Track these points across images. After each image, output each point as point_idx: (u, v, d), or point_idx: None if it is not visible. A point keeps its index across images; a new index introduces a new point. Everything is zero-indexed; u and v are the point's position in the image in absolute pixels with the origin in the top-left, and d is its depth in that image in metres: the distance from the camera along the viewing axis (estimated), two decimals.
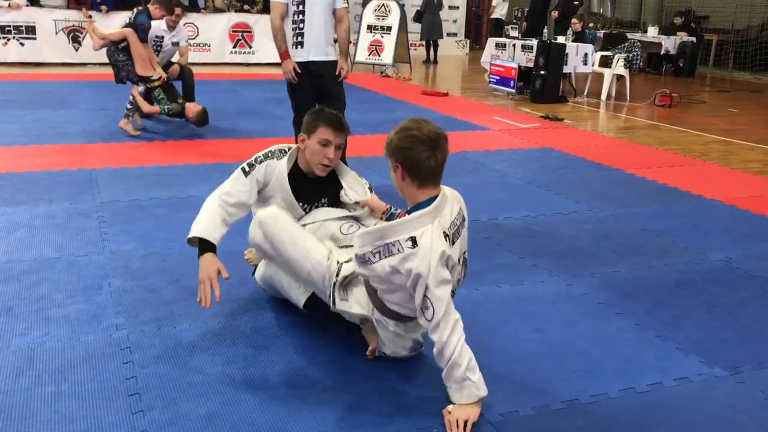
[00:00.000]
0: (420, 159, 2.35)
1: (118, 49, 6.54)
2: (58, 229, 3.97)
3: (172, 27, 6.96)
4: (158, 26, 6.82)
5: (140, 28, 6.43)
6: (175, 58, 7.26)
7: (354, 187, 3.11)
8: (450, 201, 2.46)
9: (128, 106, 6.56)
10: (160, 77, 6.55)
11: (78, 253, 3.61)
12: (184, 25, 7.25)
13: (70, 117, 7.29)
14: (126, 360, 2.61)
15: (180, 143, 6.30)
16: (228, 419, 2.28)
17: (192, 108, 6.57)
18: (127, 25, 6.53)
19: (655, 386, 2.58)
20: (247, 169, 2.93)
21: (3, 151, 5.77)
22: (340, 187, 3.11)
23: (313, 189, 3.04)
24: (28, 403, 2.33)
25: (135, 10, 6.62)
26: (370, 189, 3.14)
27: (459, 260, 2.46)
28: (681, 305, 3.29)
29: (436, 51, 15.44)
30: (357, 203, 3.06)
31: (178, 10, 6.86)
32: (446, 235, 2.34)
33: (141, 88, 6.55)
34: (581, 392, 2.53)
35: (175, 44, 7.18)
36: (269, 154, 2.99)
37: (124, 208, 4.37)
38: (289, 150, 3.03)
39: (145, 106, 6.57)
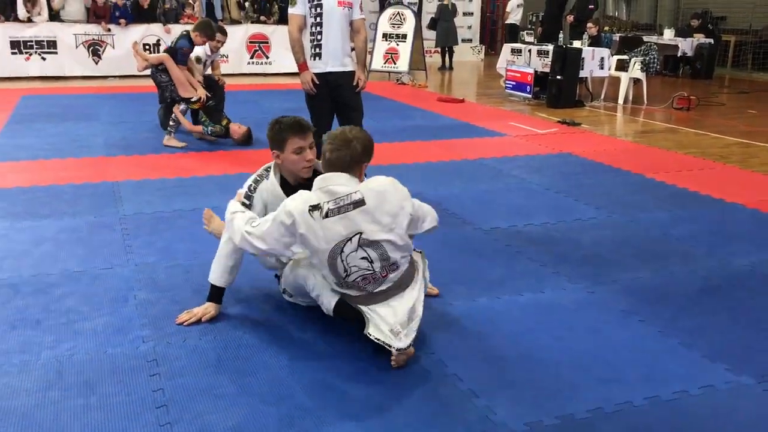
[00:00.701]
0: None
1: (159, 70, 6.74)
2: (82, 242, 4.03)
3: (214, 50, 7.13)
4: (201, 49, 7.00)
5: (179, 51, 6.62)
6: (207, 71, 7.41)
7: None
8: (352, 187, 2.73)
9: (171, 123, 6.68)
10: (200, 98, 6.65)
11: (103, 266, 3.67)
12: None
13: (92, 130, 7.39)
14: (153, 372, 2.64)
15: (201, 154, 6.37)
16: (255, 431, 2.30)
17: (236, 129, 6.67)
18: (168, 49, 6.76)
19: (681, 394, 2.57)
20: (246, 202, 3.08)
21: (26, 164, 5.86)
22: None
23: None
24: (59, 416, 2.37)
25: (180, 33, 6.86)
26: None
27: (350, 238, 2.71)
28: (705, 312, 3.28)
29: (451, 57, 15.46)
30: None
31: (221, 36, 6.98)
32: (317, 206, 2.69)
33: (183, 106, 6.71)
34: (606, 400, 2.52)
35: (212, 61, 7.42)
36: (257, 179, 3.14)
37: (148, 220, 4.42)
38: (270, 167, 3.14)
39: (187, 125, 6.70)
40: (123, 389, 2.53)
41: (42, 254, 3.83)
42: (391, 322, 2.71)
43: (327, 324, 2.99)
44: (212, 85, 7.16)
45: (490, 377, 2.66)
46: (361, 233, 2.70)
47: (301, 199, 2.74)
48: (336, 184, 2.72)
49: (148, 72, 6.96)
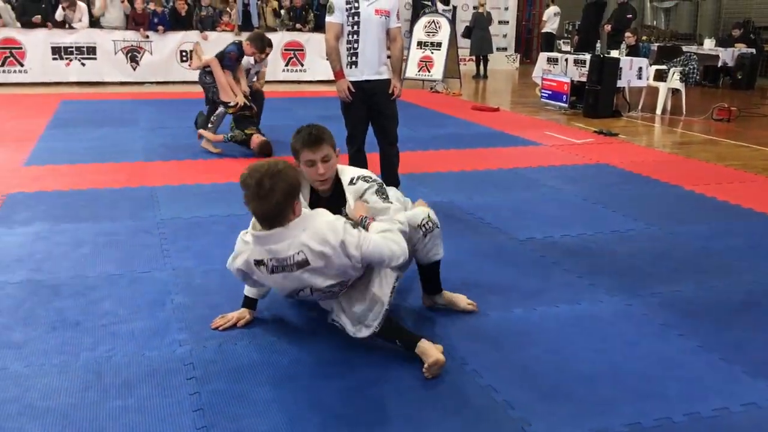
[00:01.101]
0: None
1: (206, 72, 6.93)
2: (121, 245, 4.09)
3: (258, 61, 7.22)
4: (248, 60, 7.13)
5: (227, 56, 6.78)
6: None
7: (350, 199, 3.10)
8: (294, 245, 2.61)
9: (209, 125, 6.89)
10: (236, 104, 6.74)
11: (141, 270, 3.71)
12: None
13: (130, 135, 7.50)
14: (189, 376, 2.66)
15: (237, 161, 6.43)
16: None
17: (255, 140, 6.69)
18: (218, 54, 6.90)
19: (722, 411, 2.51)
20: None
21: (67, 169, 5.97)
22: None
23: (328, 207, 3.03)
24: (97, 416, 2.40)
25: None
26: (361, 196, 3.05)
27: (302, 288, 2.75)
28: (746, 327, 3.21)
29: (486, 66, 15.43)
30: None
31: (269, 50, 7.09)
32: (261, 261, 2.68)
33: (221, 109, 6.85)
34: (643, 415, 2.48)
35: (257, 72, 7.54)
36: None
37: (184, 225, 4.47)
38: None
39: (211, 137, 6.79)
40: (160, 392, 2.55)
41: (81, 257, 3.90)
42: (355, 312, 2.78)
43: None
44: (257, 97, 7.24)
45: (525, 389, 2.64)
46: (311, 286, 2.72)
47: (248, 251, 2.73)
48: (274, 243, 2.61)
49: (183, 78, 7.14)
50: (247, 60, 7.14)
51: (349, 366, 2.78)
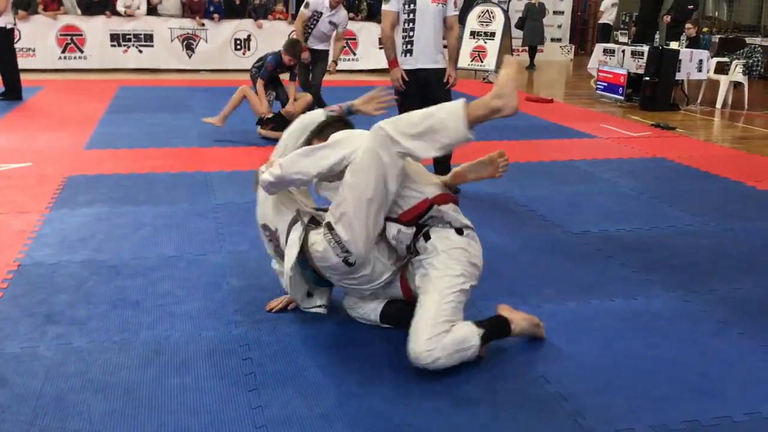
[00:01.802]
0: None
1: (255, 67, 7.23)
2: (178, 228, 4.17)
3: (334, 6, 7.32)
4: (321, 2, 7.27)
5: (264, 68, 6.93)
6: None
7: None
8: None
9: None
10: (268, 120, 6.90)
11: (197, 252, 3.79)
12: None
13: (186, 121, 7.63)
14: (245, 356, 2.71)
15: None
16: (343, 419, 2.33)
17: (288, 109, 6.78)
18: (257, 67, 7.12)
19: None
20: None
21: (125, 153, 6.11)
22: None
23: None
24: (156, 394, 2.46)
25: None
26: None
27: None
28: None
29: (534, 56, 15.24)
30: None
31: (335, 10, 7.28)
32: None
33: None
34: (702, 413, 2.43)
35: (333, 24, 7.52)
36: None
37: (238, 210, 4.54)
38: None
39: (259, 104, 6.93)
40: (217, 371, 2.60)
41: (140, 239, 3.99)
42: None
43: None
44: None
45: (579, 382, 2.61)
46: None
47: None
48: None
49: (237, 66, 7.30)
50: (321, 1, 7.23)
51: (398, 351, 2.77)
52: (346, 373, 2.62)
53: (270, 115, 6.85)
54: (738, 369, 2.74)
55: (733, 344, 2.95)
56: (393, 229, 2.69)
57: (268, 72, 6.91)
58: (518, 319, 2.81)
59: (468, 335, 2.60)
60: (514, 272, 3.63)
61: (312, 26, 7.46)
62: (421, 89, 4.84)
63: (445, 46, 4.91)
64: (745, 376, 2.68)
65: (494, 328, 2.72)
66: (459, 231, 2.73)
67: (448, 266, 2.65)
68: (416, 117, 2.63)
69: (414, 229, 2.69)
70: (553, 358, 2.77)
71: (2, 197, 4.67)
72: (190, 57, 12.69)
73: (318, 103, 7.50)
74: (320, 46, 7.65)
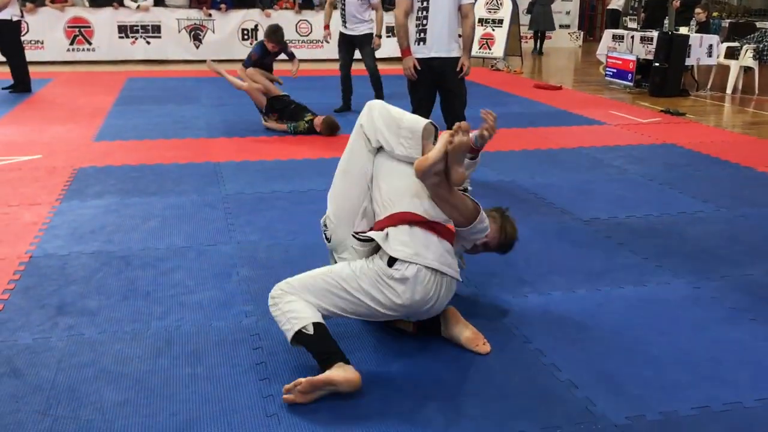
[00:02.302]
0: None
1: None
2: (188, 219, 4.19)
3: None
4: None
5: (248, 58, 7.02)
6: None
7: None
8: None
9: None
10: (268, 112, 6.84)
11: (207, 243, 3.80)
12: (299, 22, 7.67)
13: (194, 112, 7.64)
14: (255, 346, 2.72)
15: (298, 138, 6.48)
16: (354, 408, 2.34)
17: (318, 121, 6.61)
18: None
19: None
20: None
21: (134, 144, 6.12)
22: None
23: None
24: (168, 382, 2.48)
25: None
26: None
27: None
28: None
29: (542, 42, 15.15)
30: None
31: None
32: None
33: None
34: (713, 399, 2.43)
35: (364, 1, 7.46)
36: None
37: (248, 200, 4.55)
38: None
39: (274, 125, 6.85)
40: (228, 361, 2.62)
41: (150, 229, 4.01)
42: None
43: None
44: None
45: (589, 369, 2.61)
46: None
47: None
48: None
49: (245, 56, 7.23)
50: None
51: (415, 342, 2.79)
52: (356, 361, 2.62)
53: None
54: (749, 355, 2.73)
55: (744, 330, 2.93)
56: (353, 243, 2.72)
57: (252, 60, 6.95)
58: (457, 325, 2.75)
59: (301, 312, 2.49)
60: (523, 260, 3.62)
61: (342, 9, 7.46)
62: (435, 79, 4.78)
63: (460, 35, 4.83)
64: (756, 362, 2.67)
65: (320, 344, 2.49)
66: (390, 262, 2.51)
67: (355, 265, 2.58)
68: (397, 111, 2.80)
69: (367, 247, 2.67)
70: (563, 346, 2.76)
71: (13, 189, 4.69)
72: (197, 47, 12.69)
73: (378, 90, 7.70)
74: (359, 30, 7.54)
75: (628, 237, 3.99)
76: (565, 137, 6.66)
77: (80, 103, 8.16)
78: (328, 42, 7.83)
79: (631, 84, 9.92)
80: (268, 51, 7.04)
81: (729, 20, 14.26)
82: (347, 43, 7.68)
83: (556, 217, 4.33)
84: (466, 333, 2.73)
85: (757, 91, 9.66)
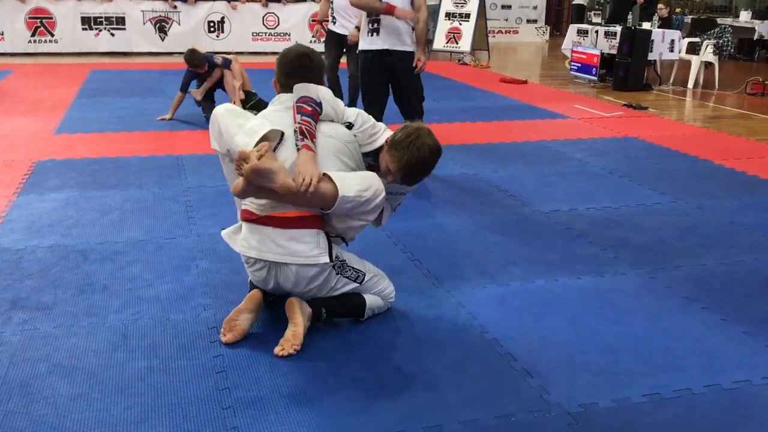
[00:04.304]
0: None
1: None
2: (147, 212, 4.15)
3: None
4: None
5: (182, 82, 6.75)
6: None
7: None
8: None
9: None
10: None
11: (167, 236, 3.77)
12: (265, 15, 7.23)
13: (158, 105, 7.55)
14: (213, 339, 2.71)
15: None
16: (312, 398, 2.34)
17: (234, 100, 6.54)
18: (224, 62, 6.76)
19: (743, 383, 2.50)
20: None
21: (96, 137, 6.04)
22: None
23: None
24: (123, 376, 2.46)
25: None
26: None
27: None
28: None
29: None
30: None
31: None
32: None
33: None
34: (663, 386, 2.48)
35: None
36: None
37: (210, 193, 4.52)
38: None
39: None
40: (185, 354, 2.60)
41: (109, 223, 3.96)
42: None
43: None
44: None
45: (544, 358, 2.64)
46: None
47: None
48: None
49: (211, 49, 7.05)
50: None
51: (374, 328, 2.80)
52: (315, 352, 2.63)
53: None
54: (700, 343, 2.79)
55: (696, 319, 3.00)
56: None
57: (185, 83, 6.71)
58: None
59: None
60: (483, 252, 3.66)
61: (331, 2, 6.51)
62: (388, 73, 4.79)
63: (413, 29, 4.85)
64: (706, 350, 2.74)
65: None
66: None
67: None
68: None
69: None
70: (519, 336, 2.80)
71: None
72: (162, 40, 12.54)
73: (353, 97, 6.53)
74: (349, 29, 6.36)
75: (587, 229, 4.05)
76: (528, 131, 6.72)
77: (41, 95, 8.02)
78: (319, 42, 6.76)
79: (595, 78, 10.03)
80: (197, 73, 6.72)
81: (691, 16, 14.49)
82: (335, 42, 6.61)
83: (517, 210, 4.37)
84: (287, 332, 2.67)
85: (717, 86, 9.83)
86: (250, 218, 2.71)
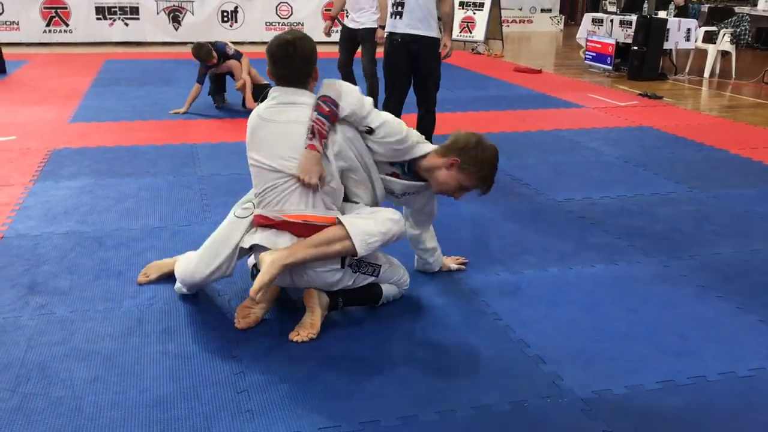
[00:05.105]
0: None
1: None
2: (162, 200, 4.17)
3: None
4: None
5: (198, 73, 6.70)
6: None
7: None
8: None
9: None
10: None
11: (182, 223, 3.79)
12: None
13: (172, 94, 7.57)
14: (227, 324, 2.72)
15: None
16: (325, 383, 2.36)
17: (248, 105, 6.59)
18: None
19: (758, 371, 2.49)
20: None
21: (111, 126, 6.07)
22: None
23: None
24: (139, 360, 2.48)
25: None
26: None
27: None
28: None
29: None
30: None
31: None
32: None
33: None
34: (677, 373, 2.47)
35: None
36: None
37: (224, 181, 4.53)
38: None
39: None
40: (199, 338, 2.63)
41: (124, 210, 3.99)
42: None
43: None
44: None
45: (557, 345, 2.64)
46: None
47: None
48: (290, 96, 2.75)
49: (225, 39, 7.02)
50: None
51: (381, 318, 2.81)
52: (328, 338, 2.65)
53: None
54: (714, 331, 2.78)
55: (711, 307, 2.98)
56: None
57: (202, 75, 6.67)
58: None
59: None
60: (497, 240, 3.66)
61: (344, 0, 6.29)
62: (412, 58, 4.69)
63: (439, 18, 4.70)
64: (721, 338, 2.72)
65: None
66: None
67: None
68: None
69: None
70: (532, 323, 2.80)
71: None
72: (176, 29, 12.57)
73: (373, 94, 6.20)
74: (362, 23, 6.09)
75: (601, 217, 4.04)
76: (542, 120, 6.69)
77: (56, 84, 8.07)
78: (329, 36, 6.49)
79: (610, 68, 9.96)
80: (210, 65, 6.65)
81: (708, 5, 14.34)
82: (348, 38, 6.29)
83: (531, 199, 4.36)
84: (304, 319, 2.70)
85: (734, 76, 9.74)
86: (266, 223, 2.72)
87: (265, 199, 2.71)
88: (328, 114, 2.62)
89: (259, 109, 2.76)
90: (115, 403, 2.23)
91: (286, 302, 2.91)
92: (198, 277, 2.81)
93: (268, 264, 2.54)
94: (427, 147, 2.86)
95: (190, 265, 2.85)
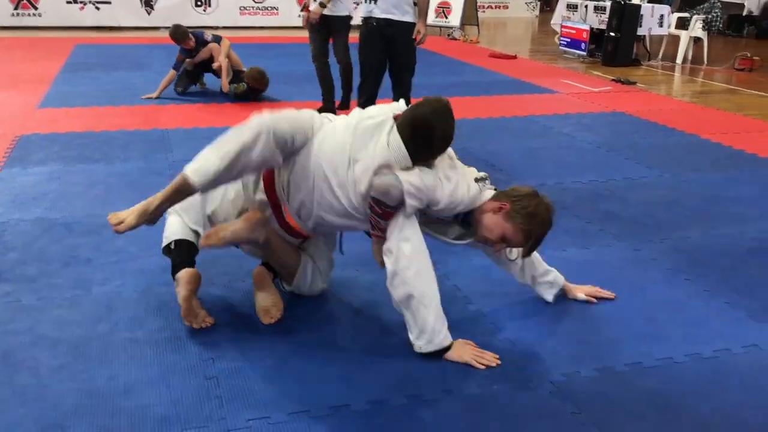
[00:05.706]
0: None
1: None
2: (133, 186, 4.12)
3: None
4: None
5: (176, 60, 6.65)
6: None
7: None
8: None
9: None
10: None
11: None
12: None
13: (144, 79, 7.48)
14: None
15: (249, 105, 6.39)
16: (296, 368, 2.35)
17: (248, 73, 6.54)
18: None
19: (723, 352, 2.52)
20: None
21: (81, 111, 5.98)
22: None
23: None
24: (107, 348, 2.46)
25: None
26: None
27: None
28: (754, 273, 3.20)
29: None
30: None
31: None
32: None
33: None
34: (645, 355, 2.50)
35: None
36: None
37: None
38: None
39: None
40: (168, 325, 2.61)
41: (94, 197, 3.94)
42: None
43: (360, 267, 3.01)
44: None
45: (528, 329, 2.66)
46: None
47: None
48: None
49: (198, 23, 6.95)
50: None
51: (352, 303, 2.81)
52: (299, 324, 2.64)
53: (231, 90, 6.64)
54: (683, 314, 2.81)
55: (679, 290, 3.02)
56: None
57: (179, 62, 6.60)
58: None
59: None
60: None
61: None
62: (386, 43, 4.69)
63: (415, 3, 4.69)
64: (688, 320, 2.76)
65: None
66: None
67: None
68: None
69: None
70: (503, 308, 2.81)
71: None
72: (149, 14, 12.41)
73: (347, 88, 6.11)
74: (336, 10, 5.71)
75: (573, 202, 4.06)
76: (517, 106, 6.71)
77: (24, 69, 7.92)
78: (304, 27, 5.96)
79: (584, 53, 10.00)
80: (187, 48, 6.57)
81: None
82: (321, 26, 5.76)
83: (504, 184, 4.29)
84: (265, 301, 2.68)
85: (706, 62, 9.83)
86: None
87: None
88: (381, 214, 2.39)
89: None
90: (82, 391, 2.21)
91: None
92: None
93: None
94: (486, 194, 2.62)
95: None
